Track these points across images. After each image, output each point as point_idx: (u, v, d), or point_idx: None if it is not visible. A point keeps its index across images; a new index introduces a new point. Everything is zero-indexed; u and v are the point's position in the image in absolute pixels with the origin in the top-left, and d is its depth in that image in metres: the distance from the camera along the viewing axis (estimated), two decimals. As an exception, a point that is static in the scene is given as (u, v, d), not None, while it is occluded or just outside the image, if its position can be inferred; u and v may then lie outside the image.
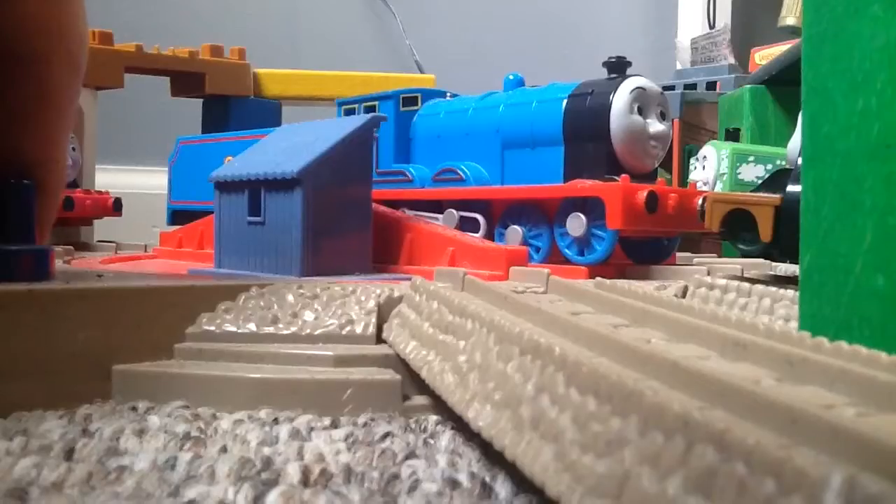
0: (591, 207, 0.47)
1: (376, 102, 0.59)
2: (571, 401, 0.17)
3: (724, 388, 0.14)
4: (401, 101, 0.59)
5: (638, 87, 0.47)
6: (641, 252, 0.50)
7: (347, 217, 0.45)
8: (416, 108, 0.59)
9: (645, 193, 0.44)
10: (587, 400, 0.16)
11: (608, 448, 0.15)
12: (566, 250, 0.48)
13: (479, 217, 0.51)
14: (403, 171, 0.57)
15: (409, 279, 0.43)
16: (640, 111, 0.48)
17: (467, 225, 0.52)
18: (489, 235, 0.51)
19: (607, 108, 0.47)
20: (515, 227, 0.50)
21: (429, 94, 0.59)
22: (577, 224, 0.46)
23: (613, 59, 0.49)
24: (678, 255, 0.66)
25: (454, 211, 0.53)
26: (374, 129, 0.46)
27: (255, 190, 0.45)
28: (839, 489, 0.10)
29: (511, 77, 0.53)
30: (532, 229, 0.50)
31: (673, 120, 0.87)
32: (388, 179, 0.58)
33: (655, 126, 0.48)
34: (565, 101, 0.49)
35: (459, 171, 0.53)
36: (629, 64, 0.49)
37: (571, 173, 0.49)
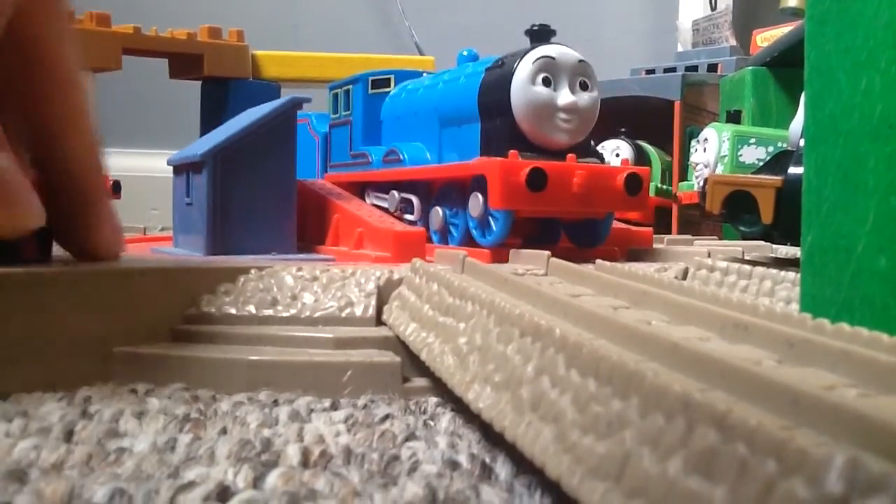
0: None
1: (350, 86, 0.59)
2: (572, 382, 0.17)
3: (725, 369, 0.14)
4: (369, 83, 0.58)
5: (544, 56, 0.43)
6: (580, 235, 0.47)
7: (265, 198, 0.45)
8: (388, 89, 0.58)
9: (527, 171, 0.40)
10: (587, 381, 0.16)
11: (609, 429, 0.15)
12: (473, 231, 0.45)
13: (414, 198, 0.50)
14: (365, 154, 0.56)
15: (325, 259, 0.45)
16: (547, 82, 0.43)
17: (409, 206, 0.50)
18: (424, 216, 0.49)
19: (509, 79, 0.43)
20: (437, 208, 0.48)
21: (403, 76, 0.58)
22: (475, 204, 0.43)
23: (535, 27, 0.45)
24: (680, 236, 0.66)
25: (395, 193, 0.52)
26: (294, 110, 0.46)
27: (188, 173, 0.47)
28: (841, 470, 0.10)
29: (465, 53, 0.51)
30: (452, 210, 0.47)
31: (675, 102, 0.87)
32: (355, 162, 0.58)
33: (565, 97, 0.43)
34: (483, 75, 0.46)
35: (399, 153, 0.52)
36: (553, 32, 0.45)
37: (485, 150, 0.45)
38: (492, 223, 0.43)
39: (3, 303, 0.28)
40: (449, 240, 0.47)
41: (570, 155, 0.43)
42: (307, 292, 0.33)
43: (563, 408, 0.16)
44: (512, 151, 0.41)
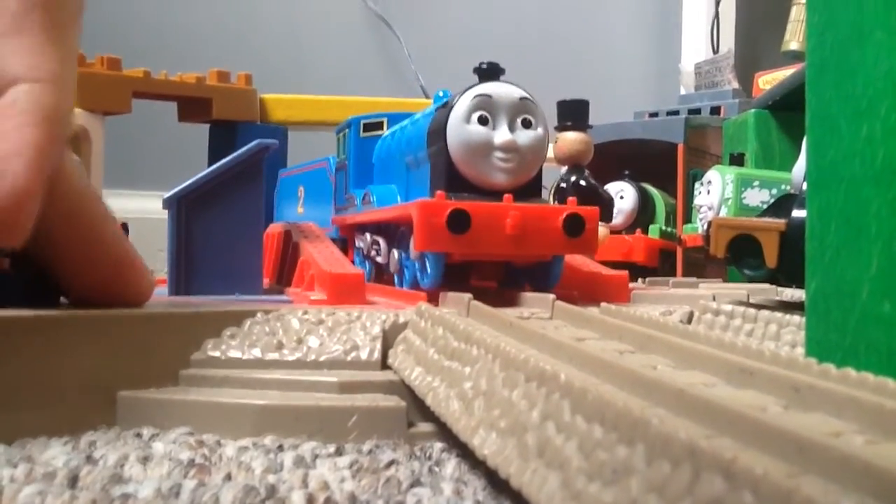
0: None
1: (346, 130, 0.59)
2: (577, 428, 0.17)
3: (731, 415, 0.14)
4: (361, 126, 0.58)
5: (481, 95, 0.41)
6: (534, 278, 0.44)
7: (231, 241, 0.46)
8: (380, 132, 0.57)
9: (448, 212, 0.38)
10: (593, 427, 0.16)
11: (615, 476, 0.15)
12: (417, 273, 0.43)
13: (381, 240, 0.49)
14: (353, 196, 0.56)
15: (283, 300, 0.45)
16: (484, 120, 0.41)
17: (378, 248, 0.50)
18: (387, 258, 0.49)
19: (446, 118, 0.41)
20: (394, 250, 0.47)
21: (396, 119, 0.56)
22: (410, 246, 0.42)
23: (484, 65, 0.43)
24: (685, 279, 0.66)
25: (367, 235, 0.51)
26: (260, 155, 0.47)
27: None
28: (848, 520, 0.10)
29: (441, 94, 0.47)
30: (406, 252, 0.45)
31: (678, 144, 0.87)
32: (348, 204, 0.58)
33: (502, 136, 0.40)
34: (433, 114, 0.44)
35: (371, 195, 0.51)
36: (501, 71, 0.43)
37: (431, 191, 0.43)
38: (427, 266, 0.41)
39: (9, 346, 0.28)
40: (400, 281, 0.46)
41: (506, 196, 0.41)
42: (313, 335, 0.33)
43: (569, 454, 0.16)
44: (438, 192, 0.40)
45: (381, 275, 0.52)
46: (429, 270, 0.41)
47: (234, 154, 0.47)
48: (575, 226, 0.40)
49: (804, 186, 0.37)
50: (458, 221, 0.39)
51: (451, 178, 0.42)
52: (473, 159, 0.41)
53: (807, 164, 0.24)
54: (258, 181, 0.47)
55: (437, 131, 0.42)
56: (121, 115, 0.77)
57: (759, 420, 0.13)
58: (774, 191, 0.66)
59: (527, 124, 0.41)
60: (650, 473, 0.14)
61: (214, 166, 0.47)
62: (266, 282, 0.57)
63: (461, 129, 0.41)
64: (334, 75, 1.35)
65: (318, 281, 0.46)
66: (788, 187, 0.63)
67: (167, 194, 0.46)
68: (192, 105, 0.84)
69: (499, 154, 0.41)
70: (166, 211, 0.49)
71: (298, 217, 0.74)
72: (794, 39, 1.37)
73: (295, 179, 0.78)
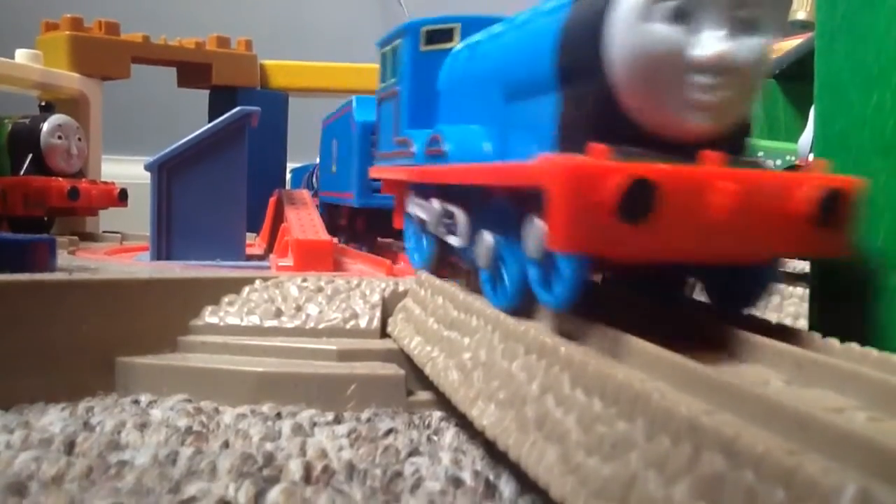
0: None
1: (398, 41, 0.40)
2: (577, 401, 0.16)
3: (732, 390, 0.14)
4: (423, 36, 0.39)
5: None
6: (725, 291, 0.25)
7: (212, 207, 0.46)
8: (449, 45, 0.38)
9: (623, 183, 0.19)
10: (593, 401, 0.16)
11: (614, 451, 0.14)
12: (534, 281, 0.24)
13: (458, 210, 0.30)
14: (408, 141, 0.37)
15: (260, 266, 0.45)
16: (682, 15, 0.21)
17: (454, 223, 0.31)
18: (470, 240, 0.29)
19: (605, 15, 0.22)
20: (485, 232, 0.27)
21: (472, 25, 0.37)
22: (533, 236, 0.23)
23: None
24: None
25: (435, 202, 0.32)
26: (244, 122, 0.47)
27: None
28: (852, 501, 0.10)
29: None
30: (507, 239, 0.26)
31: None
32: (398, 152, 0.38)
33: (711, 45, 0.21)
34: (568, 12, 0.25)
35: (442, 142, 0.32)
36: None
37: (564, 141, 0.24)
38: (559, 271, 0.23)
39: (7, 311, 0.28)
40: (495, 291, 0.26)
41: (706, 153, 0.21)
42: (312, 303, 0.32)
43: (568, 427, 0.16)
44: (597, 145, 0.20)
45: (445, 260, 0.33)
46: (563, 279, 0.21)
47: (217, 120, 0.47)
48: (834, 207, 0.21)
49: (811, 157, 0.37)
50: (640, 199, 0.20)
51: (609, 120, 0.23)
52: (658, 87, 0.22)
53: (814, 134, 0.24)
54: (241, 148, 0.47)
55: (585, 37, 0.23)
56: (119, 80, 0.77)
57: (760, 396, 0.13)
58: (780, 161, 0.66)
59: (748, 26, 0.22)
60: (650, 448, 0.14)
61: (197, 132, 0.47)
62: (262, 247, 0.57)
63: (638, 31, 0.22)
64: (336, 41, 1.33)
65: (291, 247, 0.46)
66: (794, 158, 0.62)
67: (150, 159, 0.46)
68: (192, 70, 0.83)
69: (701, 78, 0.22)
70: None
71: (331, 178, 0.62)
72: (801, 9, 1.35)
73: (329, 131, 0.64)
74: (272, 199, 0.59)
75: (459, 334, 0.25)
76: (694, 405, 0.13)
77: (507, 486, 0.20)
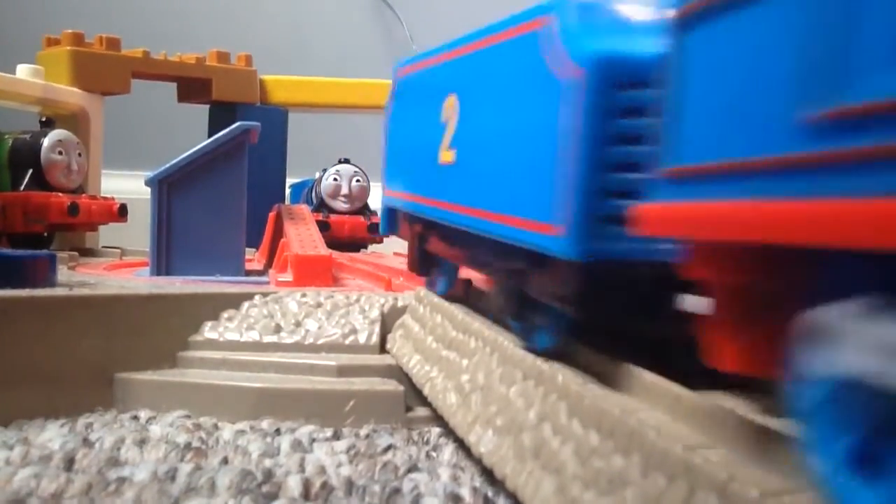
0: None
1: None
2: (573, 433, 0.16)
3: (730, 422, 0.14)
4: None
5: None
6: None
7: (212, 222, 0.46)
8: None
9: None
10: (589, 434, 0.16)
11: (610, 486, 0.14)
12: None
13: None
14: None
15: (259, 281, 0.45)
16: None
17: None
18: None
19: None
20: None
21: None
22: None
23: None
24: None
25: None
26: (244, 138, 0.47)
27: None
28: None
29: None
30: None
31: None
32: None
33: None
34: None
35: None
36: None
37: None
38: None
39: (6, 326, 0.28)
40: None
41: None
42: (311, 319, 0.32)
43: (565, 459, 0.16)
44: None
45: None
46: None
47: (217, 136, 0.47)
48: None
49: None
50: None
51: None
52: None
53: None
54: (241, 164, 0.47)
55: None
56: (120, 95, 0.77)
57: (760, 426, 0.13)
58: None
59: None
60: (646, 486, 0.14)
61: (197, 148, 0.47)
62: (262, 263, 0.57)
63: None
64: (335, 57, 1.34)
65: (290, 262, 0.46)
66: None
67: (149, 174, 0.46)
68: (192, 85, 0.83)
69: None
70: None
71: (440, 170, 0.27)
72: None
73: (431, 80, 0.34)
74: (271, 215, 0.59)
75: (458, 355, 0.25)
76: (691, 439, 0.13)
77: (505, 503, 0.20)
